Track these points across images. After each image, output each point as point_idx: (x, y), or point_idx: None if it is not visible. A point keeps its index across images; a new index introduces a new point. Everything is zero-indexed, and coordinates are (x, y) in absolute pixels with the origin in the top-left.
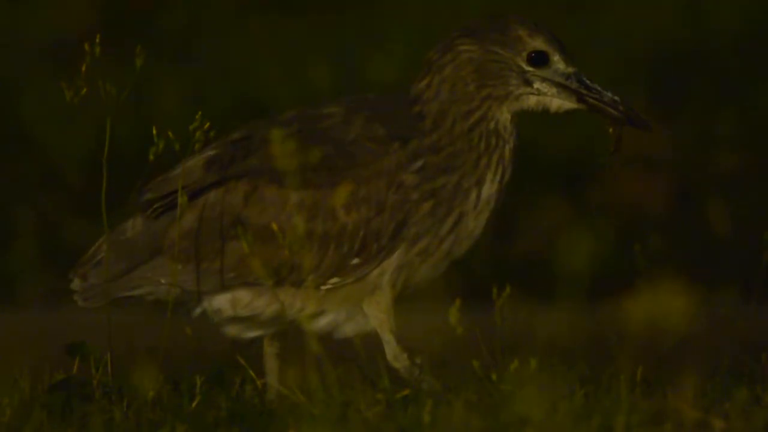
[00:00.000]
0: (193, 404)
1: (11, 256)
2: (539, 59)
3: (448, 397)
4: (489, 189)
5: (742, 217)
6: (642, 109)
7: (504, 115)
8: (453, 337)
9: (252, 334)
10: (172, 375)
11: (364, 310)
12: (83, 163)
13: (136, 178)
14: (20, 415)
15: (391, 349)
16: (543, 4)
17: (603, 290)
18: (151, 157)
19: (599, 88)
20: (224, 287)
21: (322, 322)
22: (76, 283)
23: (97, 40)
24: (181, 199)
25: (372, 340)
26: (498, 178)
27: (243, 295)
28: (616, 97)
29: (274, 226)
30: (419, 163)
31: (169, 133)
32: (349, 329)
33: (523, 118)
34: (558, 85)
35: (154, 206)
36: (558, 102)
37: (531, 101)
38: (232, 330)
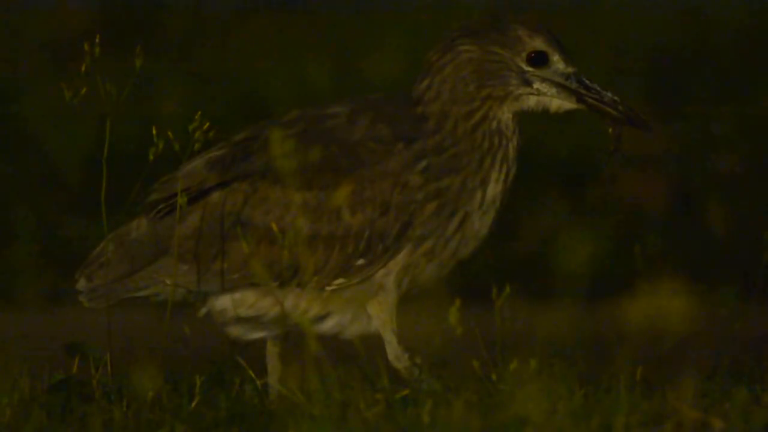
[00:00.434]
0: (193, 404)
1: (11, 256)
2: (539, 59)
3: (448, 397)
4: (494, 188)
5: (742, 217)
6: (642, 109)
7: (506, 115)
8: (453, 337)
9: (256, 334)
10: (172, 375)
11: (367, 311)
12: (83, 163)
13: (136, 178)
14: (20, 415)
15: (392, 349)
16: (543, 4)
17: (603, 290)
18: (151, 157)
19: (599, 88)
20: (229, 288)
21: (329, 324)
22: (81, 284)
23: (97, 40)
24: (181, 200)
25: (372, 340)
26: (502, 177)
27: (248, 295)
28: (615, 97)
29: (275, 227)
30: (424, 164)
31: (169, 133)
32: (354, 330)
33: (523, 118)
34: (558, 85)
35: (159, 207)
36: (558, 102)
37: (531, 101)
38: (236, 330)
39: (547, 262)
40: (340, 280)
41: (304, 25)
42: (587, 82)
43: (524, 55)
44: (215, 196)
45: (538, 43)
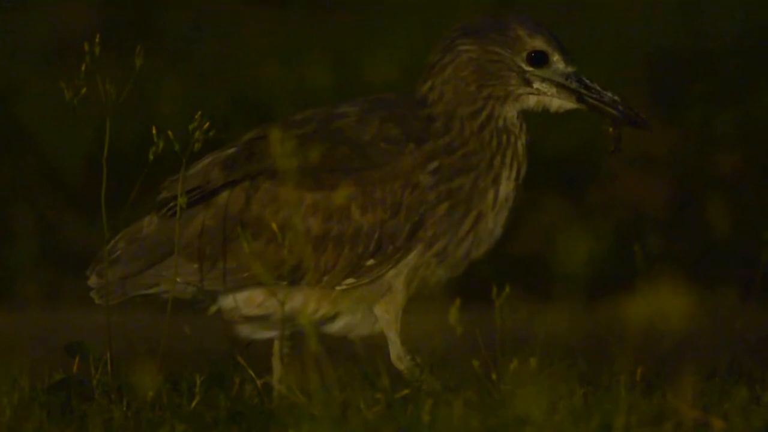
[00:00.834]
0: (193, 404)
1: (11, 256)
2: (539, 59)
3: (447, 396)
4: (506, 187)
5: (742, 217)
6: (642, 109)
7: (510, 113)
8: (453, 337)
9: (265, 334)
10: (172, 375)
11: (374, 311)
12: (83, 163)
13: (136, 178)
14: (20, 414)
15: (395, 349)
16: (543, 4)
17: (603, 290)
18: (151, 157)
19: (599, 88)
20: (238, 286)
21: (338, 325)
22: (92, 281)
23: (97, 40)
24: (180, 200)
25: (372, 340)
26: (514, 175)
27: (256, 294)
28: (616, 97)
29: (274, 227)
30: (435, 164)
31: (169, 133)
32: (363, 331)
33: (523, 118)
34: (558, 84)
35: (170, 205)
36: (558, 102)
37: (531, 101)
38: (245, 330)
39: (547, 262)
40: (350, 280)
41: (304, 25)
42: (587, 81)
43: (524, 54)
44: (224, 195)
45: (538, 43)
